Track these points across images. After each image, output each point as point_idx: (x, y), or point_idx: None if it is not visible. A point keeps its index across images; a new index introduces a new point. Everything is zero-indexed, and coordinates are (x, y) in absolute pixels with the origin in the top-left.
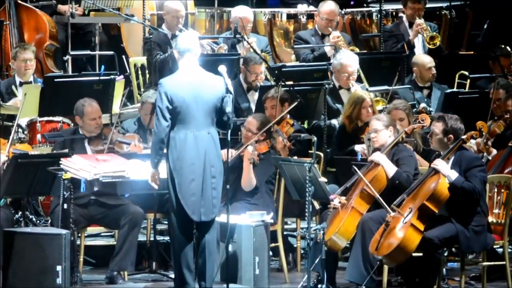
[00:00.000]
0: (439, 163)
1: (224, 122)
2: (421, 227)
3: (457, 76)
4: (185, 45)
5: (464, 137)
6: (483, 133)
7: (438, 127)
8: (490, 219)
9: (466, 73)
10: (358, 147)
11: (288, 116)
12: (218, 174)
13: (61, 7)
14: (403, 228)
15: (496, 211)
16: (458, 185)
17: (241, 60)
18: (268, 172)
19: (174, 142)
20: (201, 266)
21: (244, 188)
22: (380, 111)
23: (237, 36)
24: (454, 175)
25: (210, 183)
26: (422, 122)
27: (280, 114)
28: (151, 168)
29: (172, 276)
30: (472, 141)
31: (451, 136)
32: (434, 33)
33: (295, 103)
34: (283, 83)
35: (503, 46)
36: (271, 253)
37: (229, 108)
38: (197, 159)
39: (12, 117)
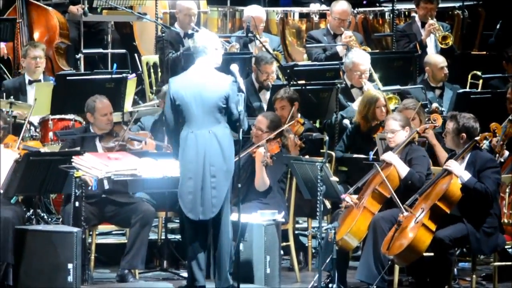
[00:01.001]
0: (451, 164)
1: (233, 122)
2: (433, 227)
3: (469, 76)
4: (196, 45)
5: (477, 138)
6: (497, 135)
7: (450, 126)
8: (502, 219)
9: (479, 73)
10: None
11: (299, 115)
12: (220, 173)
13: (72, 8)
14: (415, 228)
15: (507, 211)
16: (471, 186)
17: (253, 60)
18: (280, 171)
19: (180, 141)
20: (215, 265)
21: (258, 189)
22: (394, 110)
23: (249, 35)
24: (466, 176)
25: (210, 182)
26: (434, 122)
27: (289, 115)
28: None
29: (183, 274)
30: (486, 142)
31: (463, 134)
32: (447, 33)
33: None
34: (295, 82)
35: None
36: (282, 252)
37: (241, 107)
38: (195, 157)
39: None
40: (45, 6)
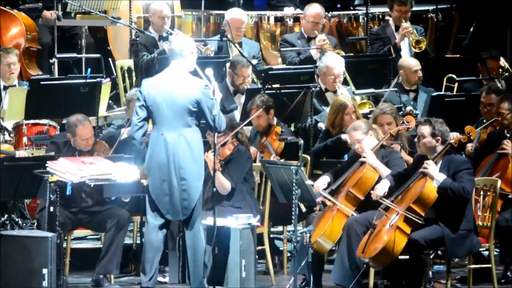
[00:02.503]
0: (429, 165)
1: (210, 125)
2: (407, 230)
3: (445, 79)
4: (173, 47)
5: (452, 141)
6: (471, 138)
7: (426, 130)
8: (477, 222)
9: (454, 76)
10: (344, 136)
11: (275, 120)
12: (190, 175)
13: (46, 13)
14: (389, 231)
15: (482, 214)
16: (447, 186)
17: (228, 63)
18: (243, 169)
19: (150, 143)
20: (187, 267)
21: (221, 192)
22: (367, 114)
23: (224, 39)
24: (441, 177)
25: (179, 185)
26: (407, 123)
27: (266, 122)
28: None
29: (159, 279)
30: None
31: (438, 138)
32: (420, 37)
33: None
34: (269, 86)
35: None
36: (257, 256)
37: (215, 111)
38: (166, 160)
39: None
40: (10, 11)
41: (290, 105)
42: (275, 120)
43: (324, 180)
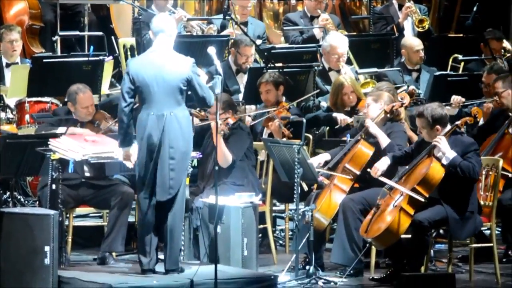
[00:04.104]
0: (441, 141)
1: (199, 101)
2: (411, 211)
3: (450, 59)
4: (159, 26)
5: (458, 122)
6: (477, 119)
7: (421, 123)
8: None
9: (460, 56)
10: (335, 114)
11: (284, 99)
12: (179, 155)
13: None
14: (393, 212)
15: (484, 193)
16: (456, 163)
17: (231, 42)
18: (243, 144)
19: (139, 123)
20: (165, 247)
21: (221, 165)
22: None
23: (227, 17)
24: (452, 154)
25: (168, 164)
26: (401, 100)
27: (275, 98)
28: (120, 147)
29: (161, 256)
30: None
31: (437, 126)
32: (423, 16)
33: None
34: (272, 65)
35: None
36: (260, 234)
37: (218, 90)
38: (156, 139)
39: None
40: None
41: (293, 84)
42: (284, 98)
43: (321, 158)
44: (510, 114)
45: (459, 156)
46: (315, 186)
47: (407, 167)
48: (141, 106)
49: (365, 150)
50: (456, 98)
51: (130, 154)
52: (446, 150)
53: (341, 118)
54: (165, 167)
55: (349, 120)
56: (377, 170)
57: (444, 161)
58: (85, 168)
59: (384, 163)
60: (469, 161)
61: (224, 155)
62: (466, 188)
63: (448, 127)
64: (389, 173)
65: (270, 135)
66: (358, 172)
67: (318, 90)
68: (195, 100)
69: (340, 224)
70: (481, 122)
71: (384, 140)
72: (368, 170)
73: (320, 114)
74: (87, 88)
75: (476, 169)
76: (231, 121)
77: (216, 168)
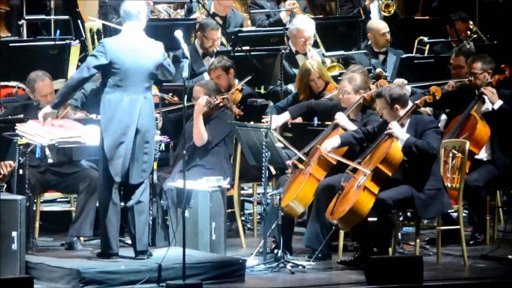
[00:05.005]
0: (393, 126)
1: (170, 77)
2: (375, 189)
3: (416, 41)
4: (130, 9)
5: (417, 101)
6: (436, 98)
7: (380, 104)
8: (446, 183)
9: (425, 38)
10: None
11: (237, 81)
12: (152, 138)
13: None
14: (357, 192)
15: (451, 175)
16: (411, 143)
17: (197, 26)
18: (223, 130)
19: (108, 104)
20: (132, 229)
21: (195, 143)
22: (336, 77)
23: (193, 0)
24: (405, 136)
25: (143, 148)
26: (381, 87)
27: (226, 83)
28: (49, 106)
29: (128, 241)
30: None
31: (396, 106)
32: (389, 1)
33: (248, 77)
34: (239, 48)
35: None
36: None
37: (185, 74)
38: (131, 122)
39: None
40: None
41: (260, 67)
42: (236, 81)
43: (283, 117)
44: (477, 93)
45: (412, 137)
46: (289, 170)
47: (369, 147)
48: (112, 88)
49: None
50: (398, 80)
51: (51, 114)
52: (399, 134)
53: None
54: (140, 151)
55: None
56: (326, 146)
57: (400, 144)
58: (48, 153)
59: (333, 141)
60: (423, 138)
61: (200, 133)
62: (428, 166)
63: (409, 105)
64: (352, 153)
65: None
66: (334, 162)
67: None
68: (164, 77)
69: (314, 208)
70: None
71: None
72: (318, 146)
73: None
74: (47, 76)
75: (431, 144)
76: (217, 100)
77: (184, 152)
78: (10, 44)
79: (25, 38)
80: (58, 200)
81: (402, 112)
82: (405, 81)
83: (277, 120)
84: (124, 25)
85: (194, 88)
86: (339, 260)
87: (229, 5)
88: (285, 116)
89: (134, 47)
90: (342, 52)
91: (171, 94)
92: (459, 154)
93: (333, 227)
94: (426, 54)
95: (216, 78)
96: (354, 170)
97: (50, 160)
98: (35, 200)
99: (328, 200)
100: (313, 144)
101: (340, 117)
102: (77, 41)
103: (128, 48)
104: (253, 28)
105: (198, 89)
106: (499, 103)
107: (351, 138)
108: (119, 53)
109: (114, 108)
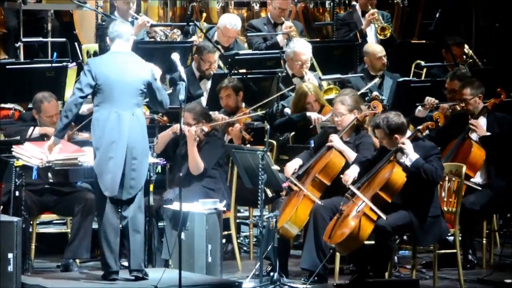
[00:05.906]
0: (406, 143)
1: (156, 105)
2: (374, 216)
3: (413, 65)
4: (116, 31)
5: (420, 127)
6: (439, 124)
7: (379, 135)
8: (442, 207)
9: (422, 62)
10: (309, 113)
11: (244, 104)
12: (140, 155)
13: None
14: (356, 217)
15: (447, 199)
16: (419, 165)
17: (194, 49)
18: (216, 154)
19: (97, 122)
20: (127, 247)
21: (192, 172)
22: (332, 100)
23: (191, 24)
24: (415, 156)
25: (131, 164)
26: (374, 109)
27: (235, 104)
28: (53, 137)
29: (125, 263)
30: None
31: (396, 136)
32: (386, 24)
33: (258, 105)
34: (236, 71)
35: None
36: (224, 240)
37: (182, 96)
38: (118, 138)
39: None
40: None
41: (257, 90)
42: (243, 105)
43: (296, 163)
44: (470, 118)
45: (421, 159)
46: (284, 193)
47: (369, 172)
48: (99, 106)
49: (338, 159)
50: (429, 99)
51: (56, 144)
52: (410, 152)
53: (315, 117)
54: (128, 167)
55: (323, 118)
56: (348, 177)
57: (408, 163)
58: (49, 174)
59: (354, 171)
60: (431, 164)
61: (196, 163)
62: (429, 192)
63: (409, 132)
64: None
65: (231, 141)
66: (328, 183)
67: (281, 93)
68: (152, 103)
69: (310, 230)
70: None
71: (351, 156)
72: (341, 176)
73: (292, 116)
74: (53, 97)
75: (438, 172)
76: (205, 129)
77: (181, 174)
78: (7, 67)
79: (22, 60)
80: (54, 222)
81: (402, 140)
82: (436, 101)
83: (293, 165)
84: (111, 45)
85: (184, 114)
86: (335, 284)
87: (232, 36)
88: (299, 162)
89: (119, 62)
90: (338, 76)
91: (160, 114)
92: (456, 178)
93: (330, 250)
94: (423, 78)
95: (225, 97)
96: (353, 194)
97: (51, 180)
98: (31, 222)
99: (324, 223)
100: (307, 165)
101: (335, 139)
102: (74, 63)
103: (112, 64)
104: (250, 51)
105: (186, 114)
106: (414, 156)
107: (365, 163)
108: (104, 69)
109: (102, 126)
